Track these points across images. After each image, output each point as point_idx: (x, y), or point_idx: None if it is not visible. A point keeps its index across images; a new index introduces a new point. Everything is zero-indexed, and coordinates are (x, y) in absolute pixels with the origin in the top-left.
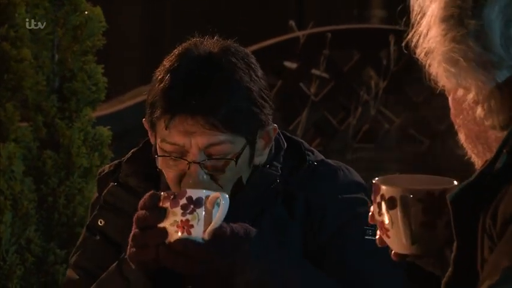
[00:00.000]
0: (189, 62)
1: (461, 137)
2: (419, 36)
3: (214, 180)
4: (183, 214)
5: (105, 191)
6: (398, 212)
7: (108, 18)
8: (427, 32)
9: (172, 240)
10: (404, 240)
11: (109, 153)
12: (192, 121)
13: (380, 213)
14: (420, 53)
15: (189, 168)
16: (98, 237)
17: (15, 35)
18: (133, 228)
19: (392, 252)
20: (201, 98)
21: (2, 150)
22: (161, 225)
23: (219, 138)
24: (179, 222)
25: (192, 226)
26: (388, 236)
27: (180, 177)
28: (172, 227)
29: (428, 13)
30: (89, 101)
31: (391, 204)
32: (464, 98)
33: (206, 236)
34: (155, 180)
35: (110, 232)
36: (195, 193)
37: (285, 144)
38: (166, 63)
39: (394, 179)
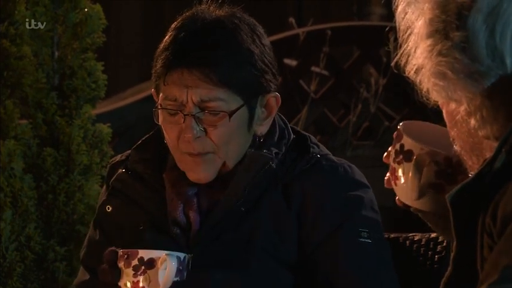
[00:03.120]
0: (193, 22)
1: (457, 148)
2: (408, 56)
3: (208, 136)
4: (135, 275)
5: (113, 178)
6: (412, 166)
7: (108, 15)
8: (415, 50)
9: None
10: (410, 193)
11: (109, 151)
12: (189, 74)
13: (395, 160)
14: (410, 71)
15: (184, 121)
16: (98, 237)
17: (15, 32)
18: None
19: (397, 198)
20: (199, 52)
21: (2, 147)
22: (119, 283)
23: (214, 93)
24: (131, 284)
25: None
26: (395, 184)
27: (180, 136)
28: None
29: (415, 31)
30: (88, 98)
31: (407, 156)
32: (457, 110)
33: None
34: (162, 165)
35: (117, 218)
36: (146, 254)
37: (291, 134)
38: (172, 26)
39: (419, 127)
